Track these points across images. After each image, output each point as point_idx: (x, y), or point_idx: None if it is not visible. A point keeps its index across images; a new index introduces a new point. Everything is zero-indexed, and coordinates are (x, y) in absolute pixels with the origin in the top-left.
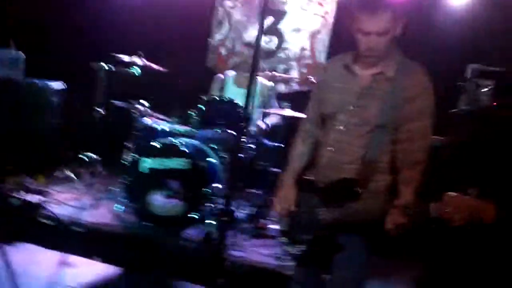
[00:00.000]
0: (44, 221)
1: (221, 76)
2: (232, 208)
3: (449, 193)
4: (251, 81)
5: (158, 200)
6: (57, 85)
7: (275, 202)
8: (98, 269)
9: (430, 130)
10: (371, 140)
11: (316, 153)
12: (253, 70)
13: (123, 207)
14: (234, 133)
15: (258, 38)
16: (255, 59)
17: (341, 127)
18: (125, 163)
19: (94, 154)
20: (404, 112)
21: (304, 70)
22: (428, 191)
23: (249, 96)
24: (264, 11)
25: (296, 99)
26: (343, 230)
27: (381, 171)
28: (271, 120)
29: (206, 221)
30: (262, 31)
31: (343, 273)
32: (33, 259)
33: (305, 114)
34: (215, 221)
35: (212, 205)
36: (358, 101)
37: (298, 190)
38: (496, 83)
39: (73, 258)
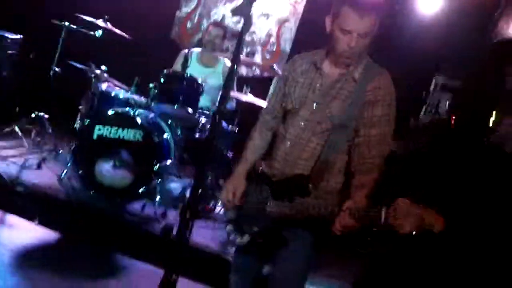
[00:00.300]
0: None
1: (185, 51)
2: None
3: (401, 199)
4: (232, 69)
5: (106, 169)
6: (14, 36)
7: (224, 191)
8: (36, 232)
9: (389, 137)
10: (329, 139)
11: (273, 145)
12: (235, 60)
13: (69, 172)
14: (191, 111)
15: (242, 31)
16: (238, 50)
17: (302, 123)
18: (76, 126)
19: (45, 113)
20: (365, 116)
21: (268, 57)
22: (381, 195)
23: (229, 82)
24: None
25: (257, 85)
26: (290, 224)
27: (335, 172)
28: (230, 104)
29: (157, 199)
30: (249, 25)
31: (285, 266)
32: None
33: (266, 105)
34: (161, 198)
35: (160, 181)
36: (321, 98)
37: (250, 181)
38: (454, 97)
39: (12, 218)
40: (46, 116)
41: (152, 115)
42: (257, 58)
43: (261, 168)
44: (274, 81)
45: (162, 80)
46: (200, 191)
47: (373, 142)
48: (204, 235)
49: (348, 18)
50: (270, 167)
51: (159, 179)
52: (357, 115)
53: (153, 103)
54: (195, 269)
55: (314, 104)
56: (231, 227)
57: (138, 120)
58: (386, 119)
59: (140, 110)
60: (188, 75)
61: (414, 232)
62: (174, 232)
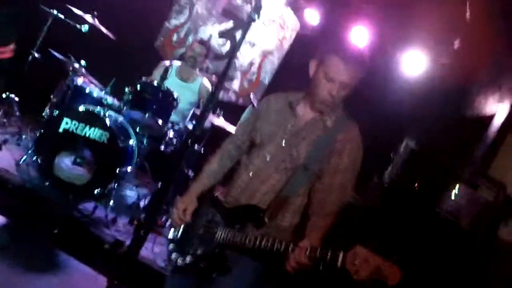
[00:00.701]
0: None
1: (166, 63)
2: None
3: (360, 246)
4: (218, 87)
5: (65, 164)
6: None
7: (176, 208)
8: None
9: (350, 187)
10: (291, 178)
11: (233, 174)
12: (221, 80)
13: (28, 158)
14: (160, 123)
15: (232, 52)
16: (226, 70)
17: (267, 158)
18: (44, 115)
19: (16, 95)
20: (331, 162)
21: (246, 85)
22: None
23: (209, 104)
24: (247, 29)
25: (230, 110)
26: (237, 252)
27: (292, 211)
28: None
29: (110, 203)
30: (240, 46)
31: None
32: None
33: (231, 135)
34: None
35: (116, 186)
36: (290, 138)
37: (202, 204)
38: (420, 163)
39: None
40: (17, 99)
41: (121, 119)
42: (235, 84)
43: (216, 194)
44: (246, 110)
45: (138, 86)
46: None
47: (334, 189)
48: (152, 249)
49: (334, 66)
50: (226, 194)
51: (116, 184)
52: (322, 161)
53: (125, 108)
54: (139, 283)
55: (283, 142)
56: (173, 246)
57: (107, 121)
58: (350, 169)
59: (111, 112)
60: (166, 87)
61: (367, 281)
62: (125, 246)
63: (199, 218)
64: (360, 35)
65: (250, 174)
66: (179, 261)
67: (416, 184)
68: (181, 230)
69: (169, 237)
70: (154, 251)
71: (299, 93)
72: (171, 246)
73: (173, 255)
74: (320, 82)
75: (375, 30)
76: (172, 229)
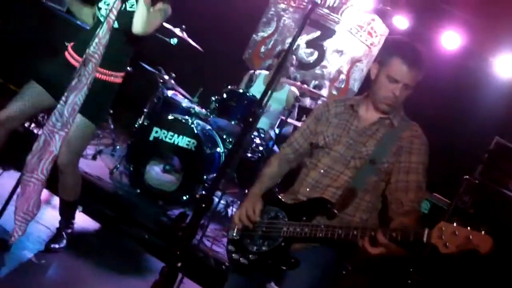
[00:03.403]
0: None
1: (254, 72)
2: (214, 196)
3: (445, 222)
4: (272, 81)
5: (155, 171)
6: None
7: (242, 209)
8: (78, 219)
9: (424, 185)
10: (359, 174)
11: (295, 176)
12: (277, 72)
13: (121, 167)
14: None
15: (291, 43)
16: (283, 62)
17: (337, 156)
18: (136, 126)
19: (109, 108)
20: (402, 161)
21: (335, 92)
22: None
23: (266, 93)
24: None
25: None
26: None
27: (362, 209)
28: (286, 129)
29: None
30: (297, 37)
31: (295, 286)
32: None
33: (290, 139)
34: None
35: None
36: (357, 137)
37: (264, 204)
38: None
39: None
40: (110, 111)
41: (209, 127)
42: (324, 92)
43: (278, 194)
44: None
45: (224, 95)
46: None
47: (410, 187)
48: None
49: (397, 68)
50: (292, 194)
51: (204, 191)
52: (388, 156)
53: (212, 116)
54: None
55: (350, 141)
56: (233, 247)
57: (195, 129)
58: (422, 168)
59: (198, 121)
60: (251, 94)
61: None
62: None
63: (260, 218)
64: (450, 39)
65: (321, 171)
66: (242, 260)
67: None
68: (240, 230)
69: (228, 237)
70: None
71: (357, 97)
72: (230, 247)
73: (234, 255)
74: (383, 84)
75: (466, 34)
76: (231, 230)
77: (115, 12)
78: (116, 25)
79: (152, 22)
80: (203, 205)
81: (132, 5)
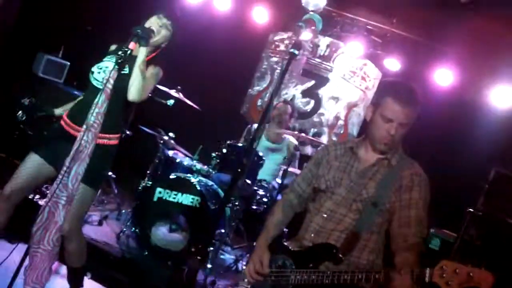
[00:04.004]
0: None
1: (253, 126)
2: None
3: (446, 260)
4: (258, 128)
5: (162, 232)
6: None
7: (251, 262)
8: (87, 286)
9: (426, 220)
10: (362, 216)
11: (298, 225)
12: (262, 122)
13: (127, 230)
14: (249, 182)
15: (273, 92)
16: (267, 111)
17: (339, 199)
18: (139, 188)
19: (113, 173)
20: (403, 198)
21: (335, 138)
22: None
23: (253, 141)
24: (288, 66)
25: None
26: None
27: (368, 250)
28: (289, 179)
29: (208, 266)
30: (281, 83)
31: None
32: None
33: (292, 185)
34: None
35: (212, 249)
36: (357, 179)
37: (271, 253)
38: None
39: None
40: (114, 176)
41: (211, 183)
42: (324, 139)
43: (285, 242)
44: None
45: (224, 150)
46: None
47: (412, 221)
48: None
49: (390, 108)
50: (298, 241)
51: (212, 247)
52: (389, 196)
53: (214, 172)
54: None
55: (351, 184)
56: None
57: (197, 186)
58: (423, 203)
59: (201, 177)
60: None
61: None
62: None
63: (269, 268)
64: (443, 77)
65: (324, 216)
66: None
67: None
68: (251, 284)
69: None
70: None
71: (356, 139)
72: None
73: None
74: (378, 125)
75: (458, 69)
76: (241, 282)
77: (111, 81)
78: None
79: (146, 89)
80: (199, 258)
81: (125, 67)
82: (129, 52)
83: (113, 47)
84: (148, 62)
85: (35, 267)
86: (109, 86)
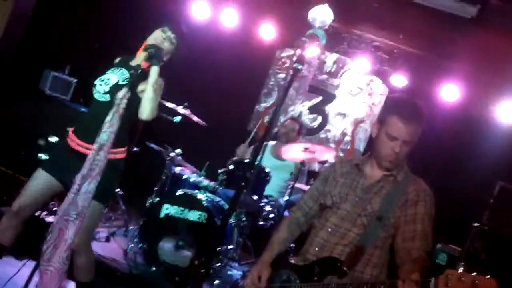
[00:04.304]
0: None
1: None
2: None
3: (450, 269)
4: (261, 145)
5: (169, 248)
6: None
7: (250, 276)
8: None
9: (431, 235)
10: (367, 230)
11: (306, 237)
12: (264, 139)
13: (135, 247)
14: (255, 197)
15: (277, 106)
16: (270, 126)
17: (344, 214)
18: (147, 204)
19: (120, 189)
20: (408, 213)
21: (341, 154)
22: None
23: (256, 156)
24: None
25: None
26: None
27: (372, 265)
28: (297, 196)
29: (215, 283)
30: (285, 97)
31: None
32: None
33: (299, 203)
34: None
35: (220, 265)
36: (363, 195)
37: (274, 269)
38: None
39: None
40: (121, 192)
41: (218, 198)
42: (331, 156)
43: (289, 257)
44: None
45: (230, 166)
46: None
47: (417, 236)
48: None
49: (394, 126)
50: (302, 255)
51: (219, 263)
52: (394, 211)
53: (220, 188)
54: None
55: (356, 199)
56: None
57: (204, 202)
58: (428, 218)
59: (207, 193)
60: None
61: None
62: None
63: (273, 284)
64: (450, 92)
65: (329, 230)
66: None
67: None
68: None
69: None
70: None
71: (362, 157)
72: None
73: None
74: (383, 142)
75: (464, 85)
76: None
77: (125, 101)
78: (109, 98)
79: (157, 106)
80: (202, 271)
81: (126, 78)
82: (140, 71)
83: (117, 60)
84: None
85: (45, 285)
86: (123, 106)
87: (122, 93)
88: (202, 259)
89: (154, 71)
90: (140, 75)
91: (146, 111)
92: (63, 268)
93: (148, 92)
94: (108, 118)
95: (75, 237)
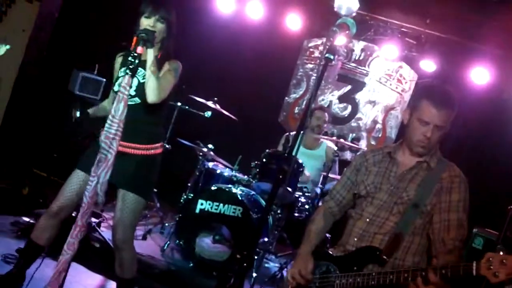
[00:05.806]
0: (93, 243)
1: (290, 133)
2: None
3: (491, 252)
4: (297, 135)
5: (206, 243)
6: None
7: (292, 271)
8: None
9: (466, 222)
10: (404, 218)
11: (344, 228)
12: (300, 128)
13: (171, 243)
14: (290, 189)
15: (311, 98)
16: (305, 117)
17: (380, 203)
18: (181, 201)
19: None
20: (442, 201)
21: (373, 142)
22: None
23: (293, 148)
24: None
25: None
26: None
27: (412, 252)
28: (330, 184)
29: (253, 276)
30: (317, 89)
31: None
32: (78, 280)
33: (332, 192)
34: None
35: (257, 258)
36: (397, 183)
37: (314, 260)
38: None
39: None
40: (155, 190)
41: (252, 192)
42: (363, 144)
43: (328, 249)
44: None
45: (263, 159)
46: None
47: (451, 226)
48: None
49: (426, 111)
50: (341, 246)
51: (256, 256)
52: (430, 197)
53: (254, 181)
54: None
55: (391, 188)
56: None
57: (239, 196)
58: (463, 205)
59: (241, 187)
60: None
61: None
62: None
63: (312, 275)
64: (480, 75)
65: (367, 220)
66: None
67: None
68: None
69: None
70: None
71: (393, 144)
72: None
73: None
74: (415, 127)
75: (494, 68)
76: None
77: (127, 88)
78: (138, 100)
79: (165, 87)
80: (245, 264)
81: (145, 76)
82: (137, 57)
83: (119, 59)
84: (161, 60)
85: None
86: (125, 92)
87: (124, 82)
88: (243, 252)
89: (150, 53)
90: (137, 62)
91: (149, 93)
92: (67, 255)
93: (147, 75)
94: (113, 109)
95: (116, 227)
